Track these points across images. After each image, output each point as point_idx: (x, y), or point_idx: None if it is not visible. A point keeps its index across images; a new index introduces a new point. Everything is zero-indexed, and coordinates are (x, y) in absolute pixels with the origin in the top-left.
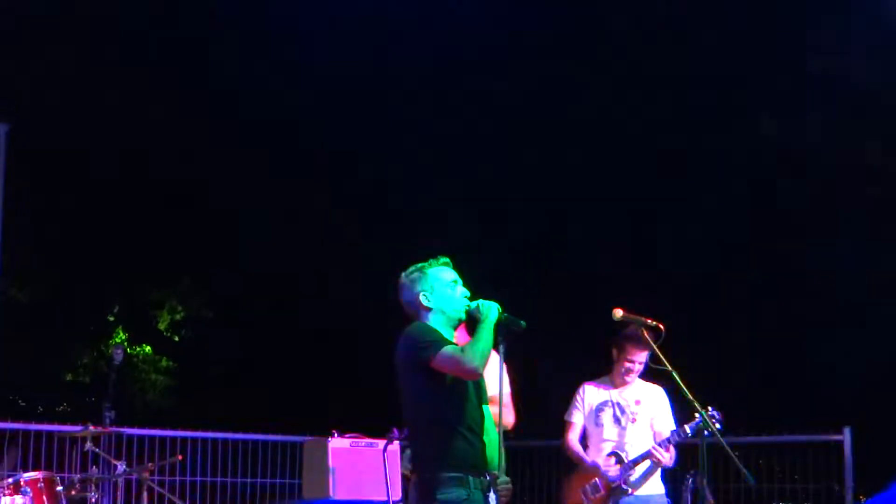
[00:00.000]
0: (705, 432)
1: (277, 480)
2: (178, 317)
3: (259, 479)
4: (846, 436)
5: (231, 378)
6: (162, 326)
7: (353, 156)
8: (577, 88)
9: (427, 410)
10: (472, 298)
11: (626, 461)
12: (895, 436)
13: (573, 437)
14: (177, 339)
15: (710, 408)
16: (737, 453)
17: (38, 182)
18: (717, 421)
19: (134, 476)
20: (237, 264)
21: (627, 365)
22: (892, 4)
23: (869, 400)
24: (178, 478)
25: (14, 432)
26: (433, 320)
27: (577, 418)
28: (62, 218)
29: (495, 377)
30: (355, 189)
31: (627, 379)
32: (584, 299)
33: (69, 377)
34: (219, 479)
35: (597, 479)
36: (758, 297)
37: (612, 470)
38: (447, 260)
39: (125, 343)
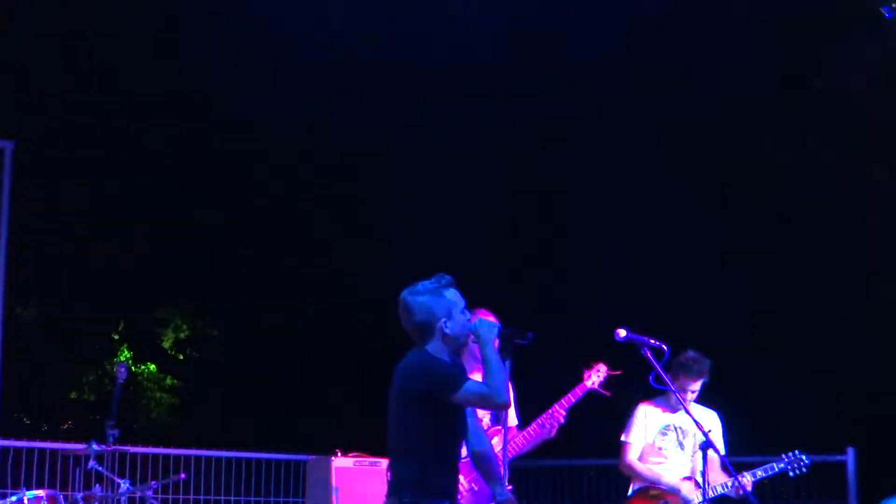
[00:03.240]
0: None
1: (281, 499)
2: (182, 335)
3: (262, 498)
4: (849, 456)
5: (235, 397)
6: (167, 345)
7: (359, 175)
8: (578, 97)
9: (421, 440)
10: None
11: (706, 487)
12: None
13: (634, 457)
14: (181, 357)
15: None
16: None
17: (44, 200)
18: (805, 465)
19: (137, 494)
20: (242, 284)
21: (682, 394)
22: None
23: (872, 420)
24: (181, 496)
25: (18, 450)
26: (442, 348)
27: (637, 439)
28: (67, 236)
29: None
30: (362, 209)
31: (684, 405)
32: (586, 320)
33: (74, 395)
34: (222, 497)
35: (668, 500)
36: (760, 316)
37: (696, 495)
38: (451, 279)
39: (129, 361)
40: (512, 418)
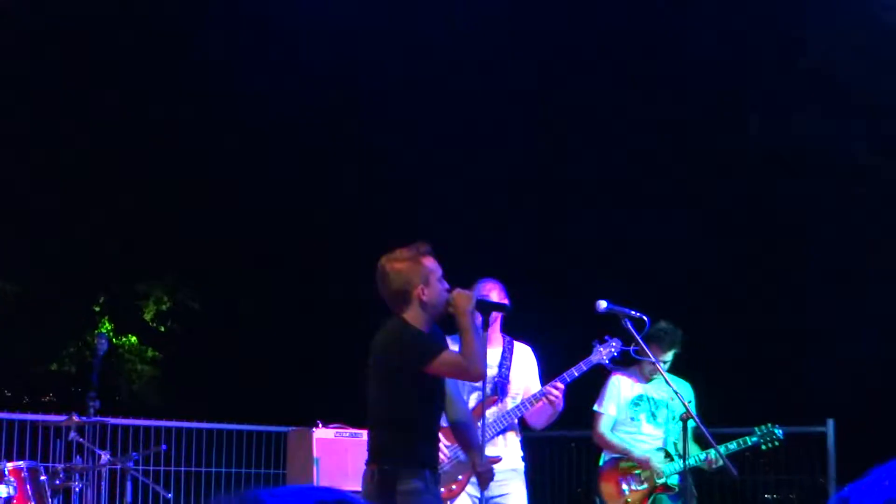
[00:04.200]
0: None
1: (262, 471)
2: (164, 307)
3: (244, 469)
4: (829, 427)
5: (216, 369)
6: (148, 317)
7: (342, 152)
8: (568, 85)
9: (399, 409)
10: (449, 290)
11: (677, 458)
12: (877, 427)
13: (607, 428)
14: (163, 329)
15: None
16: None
17: (25, 172)
18: (777, 438)
19: (118, 466)
20: (223, 256)
21: (651, 367)
22: (881, 3)
23: (852, 392)
24: (162, 467)
25: None
26: (420, 316)
27: (612, 409)
28: (49, 208)
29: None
30: (341, 186)
31: (654, 376)
32: (570, 289)
33: (55, 367)
34: (203, 468)
35: (640, 472)
36: (742, 291)
37: (662, 466)
38: (429, 247)
39: (110, 333)
40: (532, 383)
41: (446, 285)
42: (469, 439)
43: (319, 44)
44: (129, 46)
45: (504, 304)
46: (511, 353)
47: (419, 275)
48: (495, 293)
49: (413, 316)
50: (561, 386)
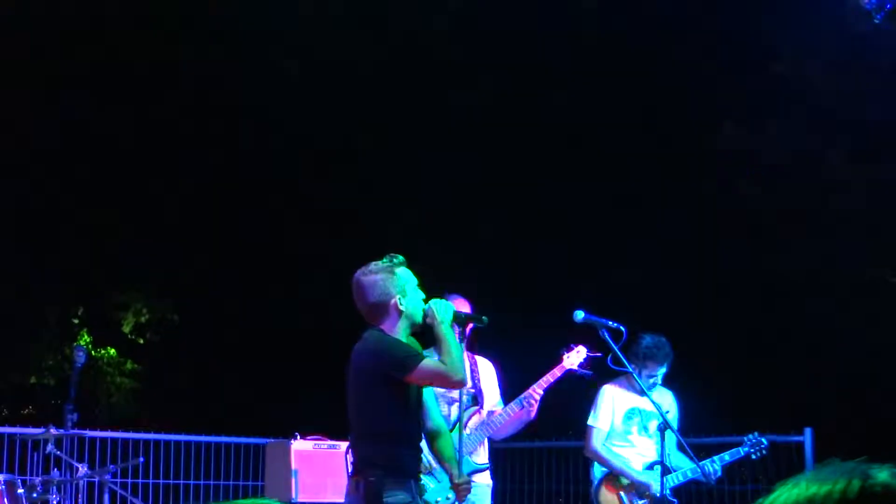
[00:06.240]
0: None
1: (240, 482)
2: (142, 319)
3: (222, 482)
4: (807, 436)
5: (195, 381)
6: (127, 329)
7: (323, 158)
8: (543, 93)
9: (382, 420)
10: (425, 300)
11: (674, 471)
12: (855, 436)
13: (600, 444)
14: (141, 341)
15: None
16: (700, 454)
17: (2, 183)
18: (764, 448)
19: (96, 478)
20: (202, 268)
21: (648, 381)
22: (854, 10)
23: (829, 401)
24: (140, 480)
25: None
26: (398, 327)
27: (605, 423)
28: (26, 219)
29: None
30: (323, 192)
31: (644, 388)
32: (548, 300)
33: (34, 380)
34: (181, 481)
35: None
36: (719, 299)
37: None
38: (403, 259)
39: (89, 345)
40: (494, 396)
41: (423, 294)
42: (444, 449)
43: (301, 46)
44: (105, 52)
45: (480, 317)
46: (476, 366)
47: (396, 286)
48: (465, 308)
49: (391, 327)
50: (541, 392)
